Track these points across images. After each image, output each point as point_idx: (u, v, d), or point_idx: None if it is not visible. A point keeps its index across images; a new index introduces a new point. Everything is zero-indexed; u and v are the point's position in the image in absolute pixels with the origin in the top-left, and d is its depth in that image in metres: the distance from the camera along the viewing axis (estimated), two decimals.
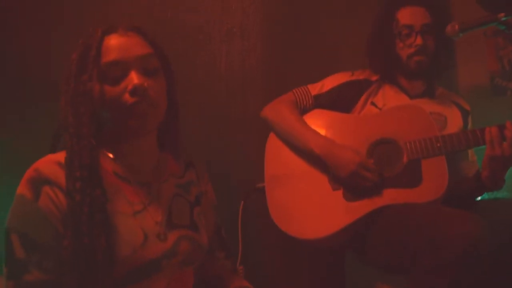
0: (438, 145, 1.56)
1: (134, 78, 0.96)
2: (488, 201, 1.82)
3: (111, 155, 1.02)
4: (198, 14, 2.30)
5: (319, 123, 1.73)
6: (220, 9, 2.33)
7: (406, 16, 1.74)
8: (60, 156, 0.96)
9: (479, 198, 1.68)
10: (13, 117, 2.01)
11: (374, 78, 1.80)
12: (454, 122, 1.76)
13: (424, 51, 1.71)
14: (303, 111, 1.79)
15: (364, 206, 1.56)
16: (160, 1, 2.28)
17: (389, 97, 1.77)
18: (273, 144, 1.77)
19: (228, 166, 2.15)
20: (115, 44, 0.99)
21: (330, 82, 1.80)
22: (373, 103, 1.76)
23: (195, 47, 2.28)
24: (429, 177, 1.53)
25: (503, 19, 1.47)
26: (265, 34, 2.34)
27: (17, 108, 2.01)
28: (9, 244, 0.88)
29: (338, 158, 1.60)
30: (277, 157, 1.74)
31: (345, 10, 2.32)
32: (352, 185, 1.59)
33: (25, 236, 0.88)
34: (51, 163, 0.94)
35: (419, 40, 1.69)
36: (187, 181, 1.16)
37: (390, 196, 1.54)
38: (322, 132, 1.70)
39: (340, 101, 1.77)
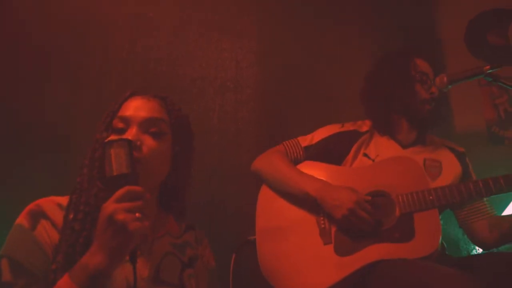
0: (431, 198, 1.54)
1: (130, 133, 1.08)
2: (490, 255, 1.76)
3: None
4: (193, 68, 2.37)
5: (311, 174, 1.71)
6: (214, 63, 2.40)
7: (423, 64, 1.80)
8: (62, 199, 1.07)
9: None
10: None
11: (364, 129, 1.81)
12: (450, 166, 1.75)
13: (434, 101, 1.75)
14: (294, 162, 1.78)
15: (355, 261, 1.51)
16: (156, 55, 2.36)
17: (381, 148, 1.77)
18: (265, 197, 1.75)
19: (220, 218, 2.14)
20: (134, 104, 1.14)
21: (319, 134, 1.81)
22: (365, 155, 1.76)
23: (189, 100, 2.33)
24: (422, 232, 1.50)
25: (489, 71, 1.49)
26: (258, 87, 2.40)
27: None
28: None
29: (335, 199, 1.56)
30: (268, 210, 1.72)
31: (339, 62, 2.38)
32: (346, 229, 1.55)
33: (15, 262, 0.95)
34: (52, 203, 1.05)
35: (434, 89, 1.74)
36: (183, 242, 1.21)
37: (382, 251, 1.50)
38: None
39: (330, 152, 1.76)
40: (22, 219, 1.00)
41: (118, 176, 0.94)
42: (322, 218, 1.63)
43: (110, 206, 0.89)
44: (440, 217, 1.67)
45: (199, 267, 1.22)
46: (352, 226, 1.55)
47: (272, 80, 2.42)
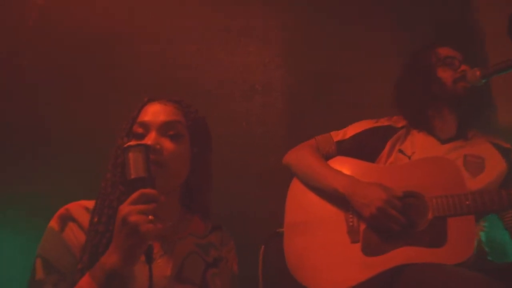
0: (467, 203, 1.46)
1: (150, 137, 1.13)
2: None
3: None
4: (220, 72, 2.41)
5: (341, 170, 1.68)
6: (241, 66, 2.41)
7: (447, 50, 1.73)
8: (90, 203, 1.14)
9: None
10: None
11: (399, 124, 1.74)
12: (493, 163, 1.66)
13: (466, 80, 1.64)
14: (326, 157, 1.75)
15: (382, 263, 1.47)
16: (183, 62, 2.41)
17: (418, 144, 1.69)
18: (295, 191, 1.74)
19: (246, 222, 2.18)
20: (151, 109, 1.19)
21: (353, 129, 1.76)
22: (401, 151, 1.69)
23: (216, 104, 2.37)
24: (455, 238, 1.43)
25: None
26: (286, 89, 2.39)
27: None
28: (33, 267, 1.05)
29: (364, 196, 1.52)
30: (298, 203, 1.71)
31: (368, 61, 2.33)
32: (376, 229, 1.51)
33: (46, 261, 1.04)
34: (80, 206, 1.13)
35: (464, 67, 1.66)
36: (208, 243, 1.24)
37: (411, 255, 1.45)
38: None
39: (363, 148, 1.72)
40: (53, 223, 1.09)
41: (136, 179, 0.99)
42: (351, 216, 1.60)
43: (124, 208, 0.94)
44: (484, 219, 1.60)
45: (222, 269, 1.24)
46: (381, 225, 1.50)
47: (299, 82, 2.40)
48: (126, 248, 0.92)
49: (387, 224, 1.49)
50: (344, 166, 1.69)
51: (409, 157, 1.67)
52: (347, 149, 1.74)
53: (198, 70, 2.40)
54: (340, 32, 2.40)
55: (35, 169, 2.14)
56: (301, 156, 1.73)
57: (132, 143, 1.04)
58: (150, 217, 0.93)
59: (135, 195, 0.95)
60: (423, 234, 1.47)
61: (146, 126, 1.16)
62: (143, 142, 1.09)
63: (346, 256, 1.53)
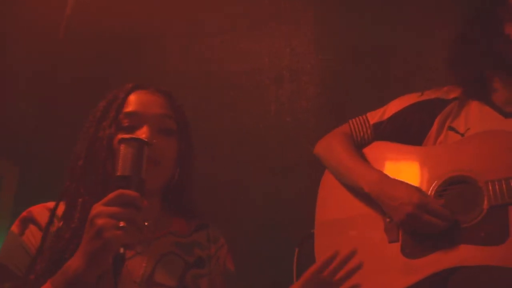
0: None
1: (144, 132, 1.01)
2: None
3: None
4: (245, 62, 2.31)
5: (377, 159, 1.44)
6: (268, 53, 2.30)
7: None
8: (54, 204, 1.03)
9: None
10: None
11: (451, 96, 1.42)
12: None
13: None
14: (362, 144, 1.50)
15: (426, 266, 1.22)
16: (208, 55, 2.36)
17: (474, 118, 1.37)
18: (326, 185, 1.53)
19: (281, 217, 2.03)
20: (139, 98, 1.08)
21: (393, 107, 1.48)
22: (451, 128, 1.39)
23: (243, 94, 2.29)
24: None
25: None
26: (315, 74, 2.22)
27: None
28: None
29: (391, 198, 1.29)
30: (329, 200, 1.51)
31: (410, 32, 2.05)
32: (412, 233, 1.27)
33: (4, 267, 0.96)
34: (43, 208, 1.04)
35: None
36: (191, 242, 1.13)
37: (462, 255, 1.17)
38: (381, 170, 1.40)
39: (408, 128, 1.43)
40: (14, 226, 1.01)
41: (119, 177, 0.86)
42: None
43: (96, 207, 0.83)
44: None
45: (214, 268, 1.11)
46: (418, 230, 1.25)
47: (333, 63, 2.19)
48: (90, 253, 0.82)
49: (422, 230, 1.24)
50: (381, 152, 1.45)
51: (462, 135, 1.36)
52: (387, 131, 1.47)
53: (223, 62, 2.34)
54: (375, 4, 2.14)
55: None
56: (329, 146, 1.51)
57: (127, 136, 0.90)
58: (121, 223, 0.80)
59: (111, 194, 0.83)
60: (477, 229, 1.19)
61: (137, 118, 1.04)
62: (136, 136, 0.96)
63: (383, 259, 1.31)
